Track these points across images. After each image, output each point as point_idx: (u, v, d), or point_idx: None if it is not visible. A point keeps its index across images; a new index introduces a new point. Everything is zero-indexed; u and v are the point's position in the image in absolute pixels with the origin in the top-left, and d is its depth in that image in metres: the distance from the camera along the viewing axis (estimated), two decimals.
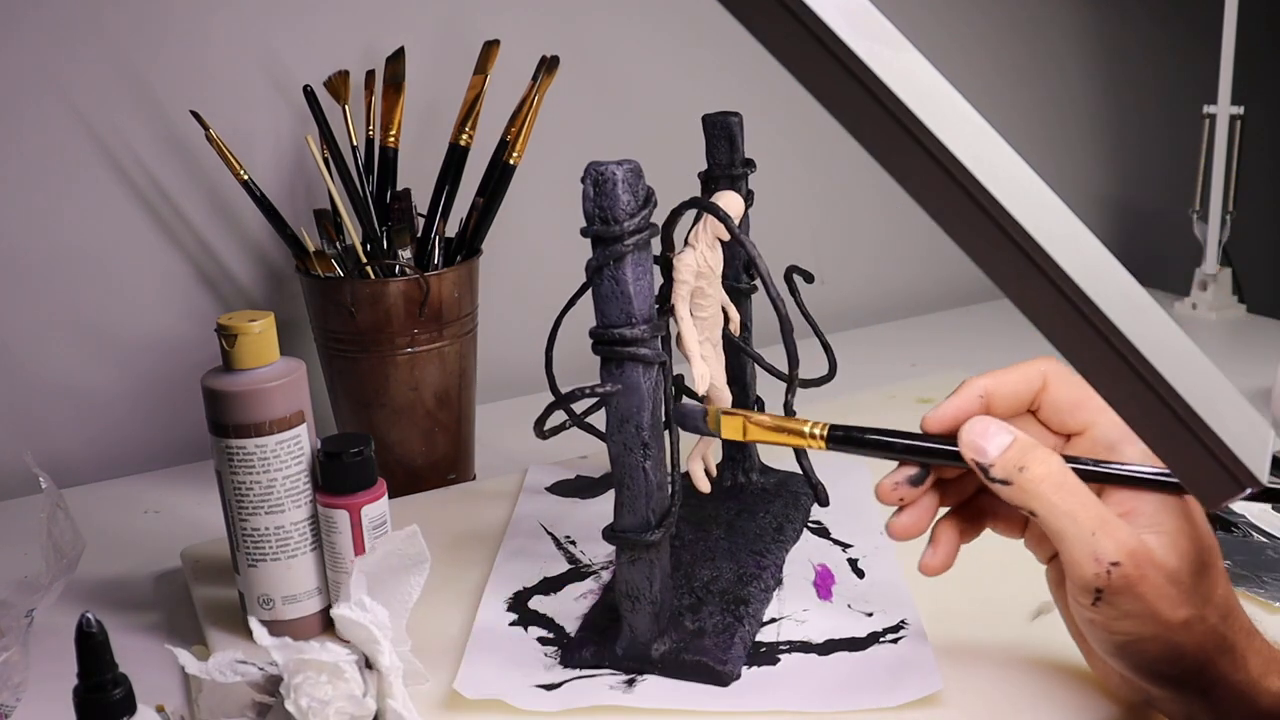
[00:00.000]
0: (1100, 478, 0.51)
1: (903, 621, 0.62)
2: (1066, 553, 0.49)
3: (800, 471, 0.69)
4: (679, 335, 0.61)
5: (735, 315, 0.70)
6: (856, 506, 0.76)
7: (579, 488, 0.81)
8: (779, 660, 0.60)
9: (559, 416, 0.61)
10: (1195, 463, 0.44)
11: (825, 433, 0.55)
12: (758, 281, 0.73)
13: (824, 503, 0.63)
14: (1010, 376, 0.54)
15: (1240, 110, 1.17)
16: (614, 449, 0.57)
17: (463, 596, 0.67)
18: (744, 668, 0.59)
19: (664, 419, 0.59)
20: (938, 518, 0.55)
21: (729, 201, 0.62)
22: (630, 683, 0.58)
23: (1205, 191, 1.21)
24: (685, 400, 0.64)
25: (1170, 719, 0.53)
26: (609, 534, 0.58)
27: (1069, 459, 0.51)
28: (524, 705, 0.56)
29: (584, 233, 0.54)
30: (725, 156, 0.71)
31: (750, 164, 0.72)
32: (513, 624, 0.64)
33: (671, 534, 0.59)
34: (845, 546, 0.71)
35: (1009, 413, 0.54)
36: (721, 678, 0.58)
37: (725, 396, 0.64)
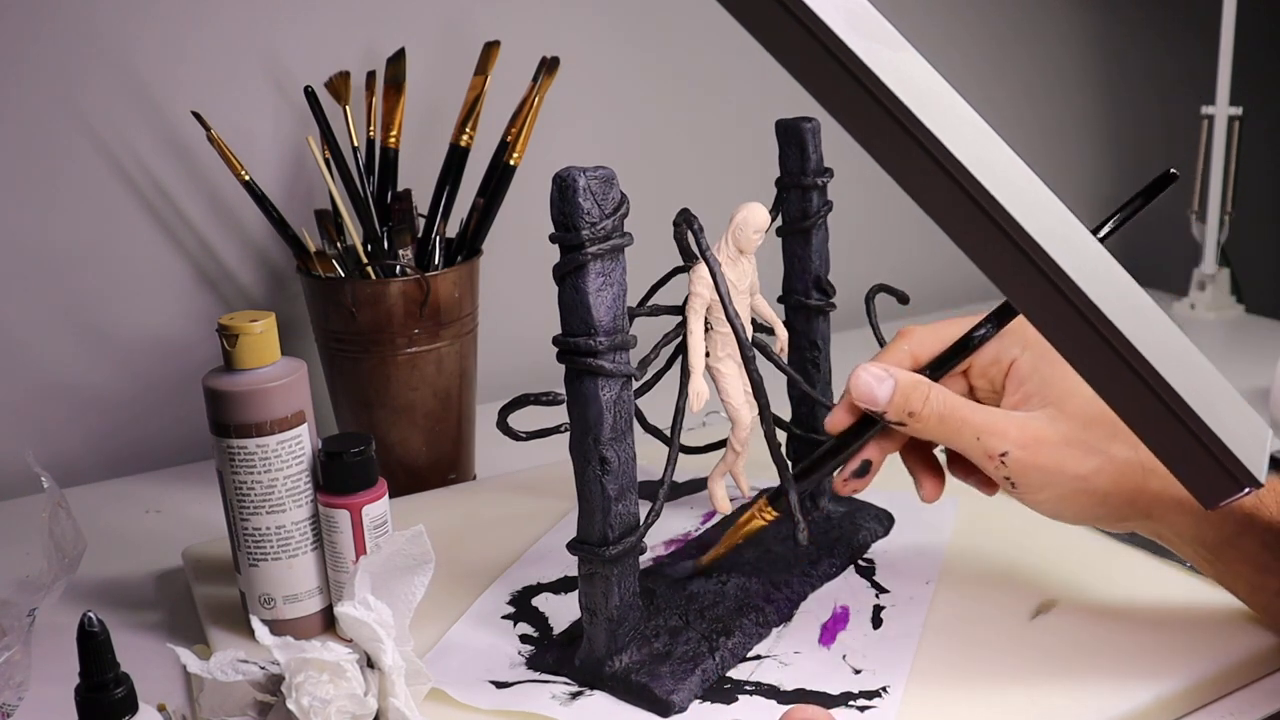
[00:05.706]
0: (955, 354, 0.57)
1: (884, 689, 0.56)
2: (974, 462, 0.56)
3: (868, 501, 0.69)
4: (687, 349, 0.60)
5: (782, 334, 0.66)
6: (918, 552, 0.70)
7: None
8: (736, 700, 0.56)
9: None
10: (1194, 463, 0.44)
11: (766, 502, 0.60)
12: (834, 299, 0.71)
13: (801, 542, 0.59)
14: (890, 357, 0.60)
15: (1239, 111, 1.17)
16: (575, 461, 0.55)
17: (462, 597, 0.67)
18: (696, 701, 0.56)
19: (670, 429, 0.59)
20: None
21: (752, 213, 0.61)
22: (575, 696, 0.57)
23: (1204, 192, 1.21)
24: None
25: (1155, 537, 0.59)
26: (572, 545, 0.57)
27: (936, 367, 0.57)
28: (459, 696, 0.56)
29: (551, 239, 0.53)
30: (796, 164, 0.68)
31: (828, 172, 0.68)
32: (505, 617, 0.64)
33: (641, 550, 0.57)
34: (881, 592, 0.66)
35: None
36: (664, 707, 0.55)
37: (743, 417, 0.63)
